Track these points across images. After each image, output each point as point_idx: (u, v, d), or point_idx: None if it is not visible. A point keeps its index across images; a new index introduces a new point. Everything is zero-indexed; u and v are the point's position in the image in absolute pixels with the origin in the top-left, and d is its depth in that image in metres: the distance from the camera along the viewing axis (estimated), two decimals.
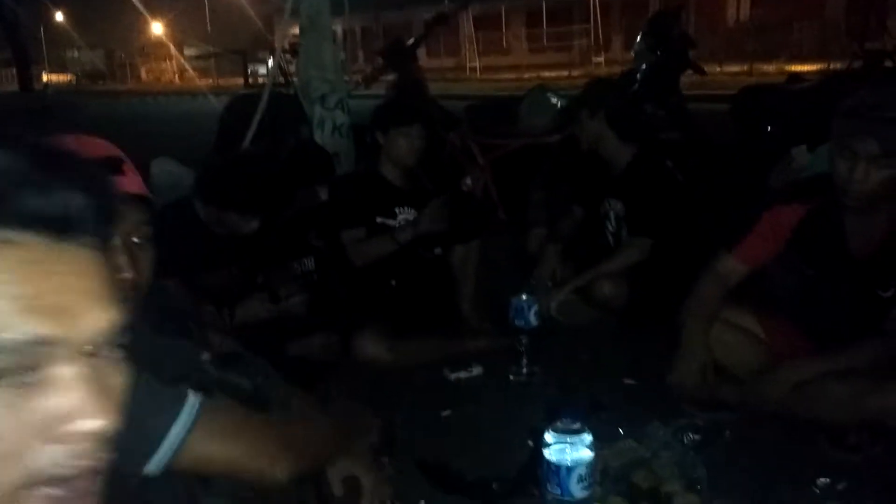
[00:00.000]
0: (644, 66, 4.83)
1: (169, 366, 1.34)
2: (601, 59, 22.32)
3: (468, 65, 24.99)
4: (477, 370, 2.77)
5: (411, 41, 5.11)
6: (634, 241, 3.16)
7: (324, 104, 4.15)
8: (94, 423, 0.53)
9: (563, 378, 2.69)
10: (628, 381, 2.67)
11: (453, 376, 2.74)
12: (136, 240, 1.32)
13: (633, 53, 5.30)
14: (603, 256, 3.27)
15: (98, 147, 1.35)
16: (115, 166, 1.33)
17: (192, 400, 1.20)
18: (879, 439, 2.14)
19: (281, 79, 4.75)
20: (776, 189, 2.42)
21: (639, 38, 5.08)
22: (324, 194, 3.29)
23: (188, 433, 1.18)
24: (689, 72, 5.41)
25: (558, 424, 1.65)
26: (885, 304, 2.13)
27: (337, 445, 1.51)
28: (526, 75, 20.62)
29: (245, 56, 13.82)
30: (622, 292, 3.08)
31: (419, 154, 3.10)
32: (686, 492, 1.94)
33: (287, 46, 4.99)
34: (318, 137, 4.22)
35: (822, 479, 2.00)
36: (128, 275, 1.28)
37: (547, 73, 20.12)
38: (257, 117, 3.24)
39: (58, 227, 0.54)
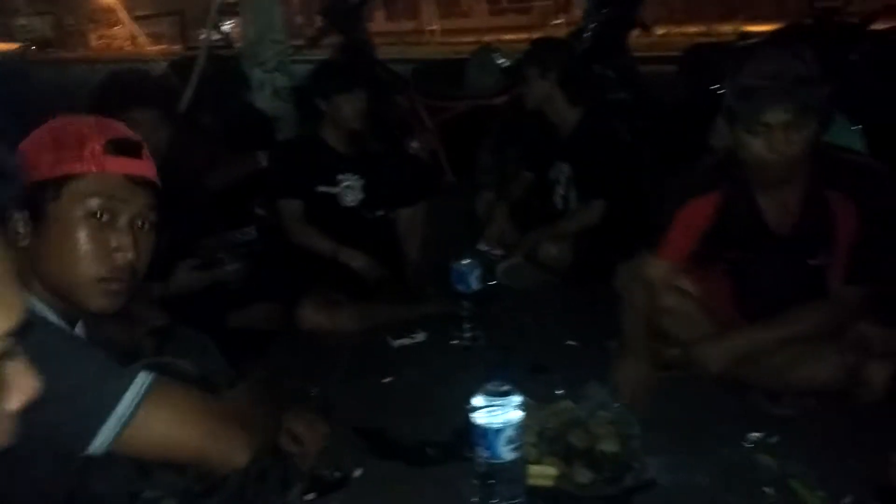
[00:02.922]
0: (592, 25, 4.78)
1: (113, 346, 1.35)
2: (561, 20, 22.11)
3: (427, 28, 24.60)
4: (420, 336, 2.75)
5: (357, 1, 4.99)
6: (589, 205, 3.15)
7: (263, 67, 4.04)
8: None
9: (506, 341, 2.68)
10: (570, 343, 2.68)
11: (396, 343, 2.72)
12: (140, 223, 1.33)
13: (581, 13, 5.25)
14: (552, 219, 3.27)
15: (118, 129, 1.34)
16: (134, 149, 1.33)
17: (143, 376, 1.20)
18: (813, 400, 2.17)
19: (219, 41, 4.60)
20: (684, 181, 2.33)
21: None
22: (264, 160, 3.21)
23: (137, 408, 1.17)
24: (650, 34, 5.38)
25: (487, 387, 1.64)
26: (816, 272, 2.13)
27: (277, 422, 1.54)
28: (486, 38, 20.27)
29: (182, 17, 13.29)
30: (567, 254, 3.08)
31: (363, 118, 3.03)
32: (620, 449, 1.96)
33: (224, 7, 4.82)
34: (257, 101, 4.11)
35: (755, 434, 2.03)
36: (130, 256, 1.29)
37: (508, 36, 19.76)
38: (193, 82, 3.13)
39: None
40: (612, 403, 2.15)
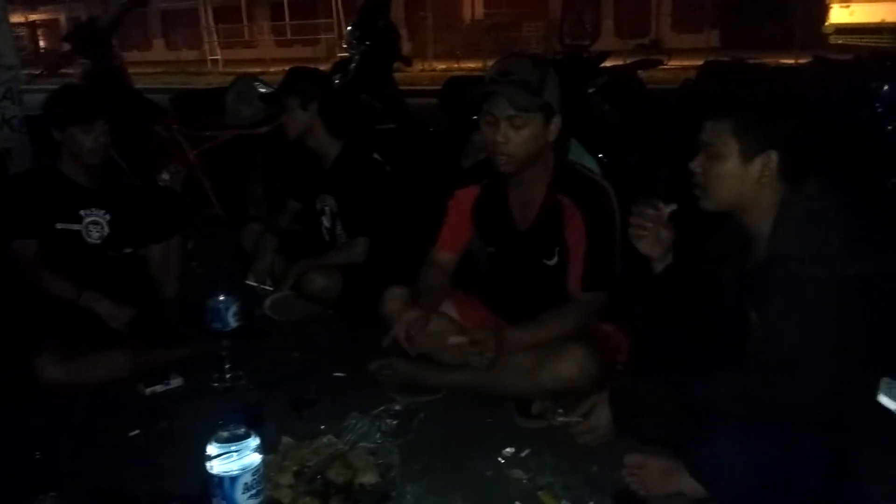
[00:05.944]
0: (357, 56, 4.84)
1: None
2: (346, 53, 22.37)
3: (210, 58, 23.78)
4: (176, 381, 2.55)
5: (104, 25, 4.65)
6: (353, 241, 3.11)
7: None
8: None
9: (269, 379, 2.57)
10: (338, 374, 2.63)
11: (148, 391, 2.51)
12: None
13: (344, 44, 5.32)
14: (321, 251, 3.20)
15: None
16: None
17: None
18: (562, 404, 2.28)
19: None
20: (461, 172, 2.57)
21: (349, 28, 5.09)
22: None
23: None
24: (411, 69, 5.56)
25: (221, 433, 1.53)
26: (552, 273, 2.28)
27: None
28: (272, 69, 20.05)
29: None
30: (335, 285, 3.02)
31: (104, 151, 2.79)
32: (379, 480, 1.93)
33: None
34: None
35: (508, 449, 2.09)
36: None
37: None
38: None
39: None
40: (373, 434, 2.13)
